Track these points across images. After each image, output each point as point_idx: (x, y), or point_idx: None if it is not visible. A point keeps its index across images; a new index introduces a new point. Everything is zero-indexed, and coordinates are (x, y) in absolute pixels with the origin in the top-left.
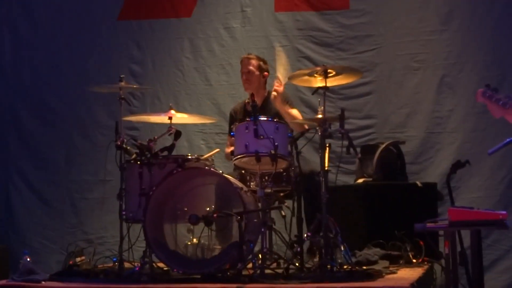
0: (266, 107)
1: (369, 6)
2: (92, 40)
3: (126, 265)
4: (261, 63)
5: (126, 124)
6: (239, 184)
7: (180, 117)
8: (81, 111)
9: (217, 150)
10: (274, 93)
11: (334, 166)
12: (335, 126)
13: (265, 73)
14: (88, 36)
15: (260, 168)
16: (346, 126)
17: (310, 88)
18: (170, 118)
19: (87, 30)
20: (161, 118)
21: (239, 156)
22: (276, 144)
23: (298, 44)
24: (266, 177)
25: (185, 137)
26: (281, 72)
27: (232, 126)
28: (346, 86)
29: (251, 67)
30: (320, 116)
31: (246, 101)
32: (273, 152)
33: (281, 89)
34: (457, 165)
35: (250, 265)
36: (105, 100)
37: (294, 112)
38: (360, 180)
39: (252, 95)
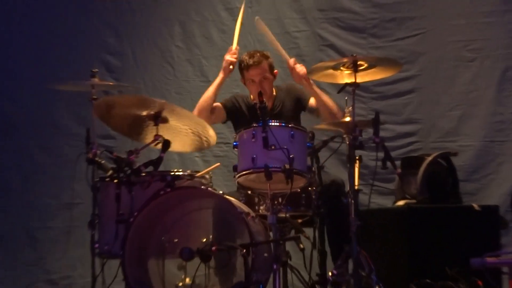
0: (277, 108)
1: None
2: (55, 24)
3: None
4: (270, 61)
5: (100, 131)
6: (245, 209)
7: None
8: (41, 116)
9: (218, 164)
10: (299, 70)
11: (367, 185)
12: (368, 133)
13: (275, 71)
14: (50, 19)
15: (271, 188)
16: (382, 133)
17: (335, 85)
18: (156, 122)
19: (48, 11)
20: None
21: (244, 172)
22: (291, 156)
23: (319, 28)
24: (280, 199)
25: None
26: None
27: (234, 134)
28: (381, 82)
29: (266, 74)
30: (348, 120)
31: (254, 102)
32: (287, 166)
33: (303, 69)
34: None
35: None
36: (72, 101)
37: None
38: (401, 203)
39: (260, 94)
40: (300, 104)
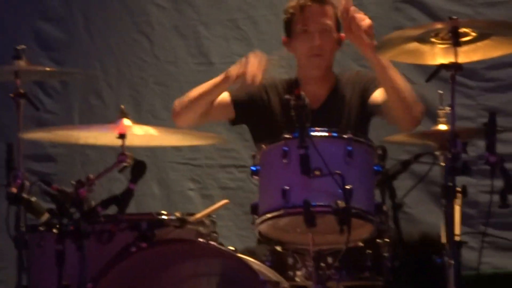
0: (334, 105)
1: None
2: None
3: None
4: (337, 12)
5: (30, 149)
6: (272, 276)
7: (143, 135)
8: None
9: (225, 201)
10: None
11: (476, 234)
12: (477, 148)
13: (342, 35)
14: None
15: (316, 241)
16: (501, 149)
17: (422, 68)
18: (121, 135)
19: None
20: (104, 136)
21: (270, 215)
22: (348, 187)
23: None
24: (330, 259)
25: (154, 175)
26: None
27: (253, 152)
28: (499, 63)
29: (328, 21)
30: (442, 127)
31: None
32: (341, 204)
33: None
34: None
35: None
36: None
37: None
38: None
39: (295, 85)
40: (365, 99)
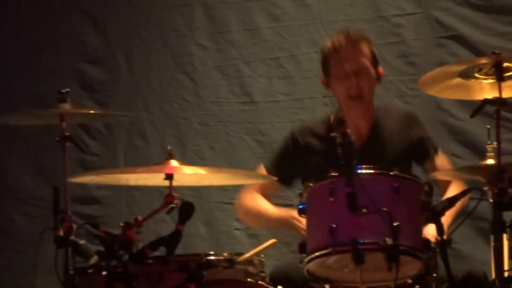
0: (376, 142)
1: None
2: None
3: None
4: (373, 47)
5: (76, 191)
6: None
7: (190, 174)
8: None
9: (273, 241)
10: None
11: None
12: None
13: (380, 69)
14: None
15: (364, 278)
16: None
17: (467, 103)
18: (169, 176)
19: None
20: (153, 178)
21: (318, 253)
22: (395, 224)
23: (437, 9)
24: None
25: (200, 215)
26: None
27: (299, 190)
28: None
29: (367, 63)
30: (491, 161)
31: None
32: (389, 241)
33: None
34: None
35: None
36: (29, 143)
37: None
38: None
39: (339, 121)
40: (419, 151)
